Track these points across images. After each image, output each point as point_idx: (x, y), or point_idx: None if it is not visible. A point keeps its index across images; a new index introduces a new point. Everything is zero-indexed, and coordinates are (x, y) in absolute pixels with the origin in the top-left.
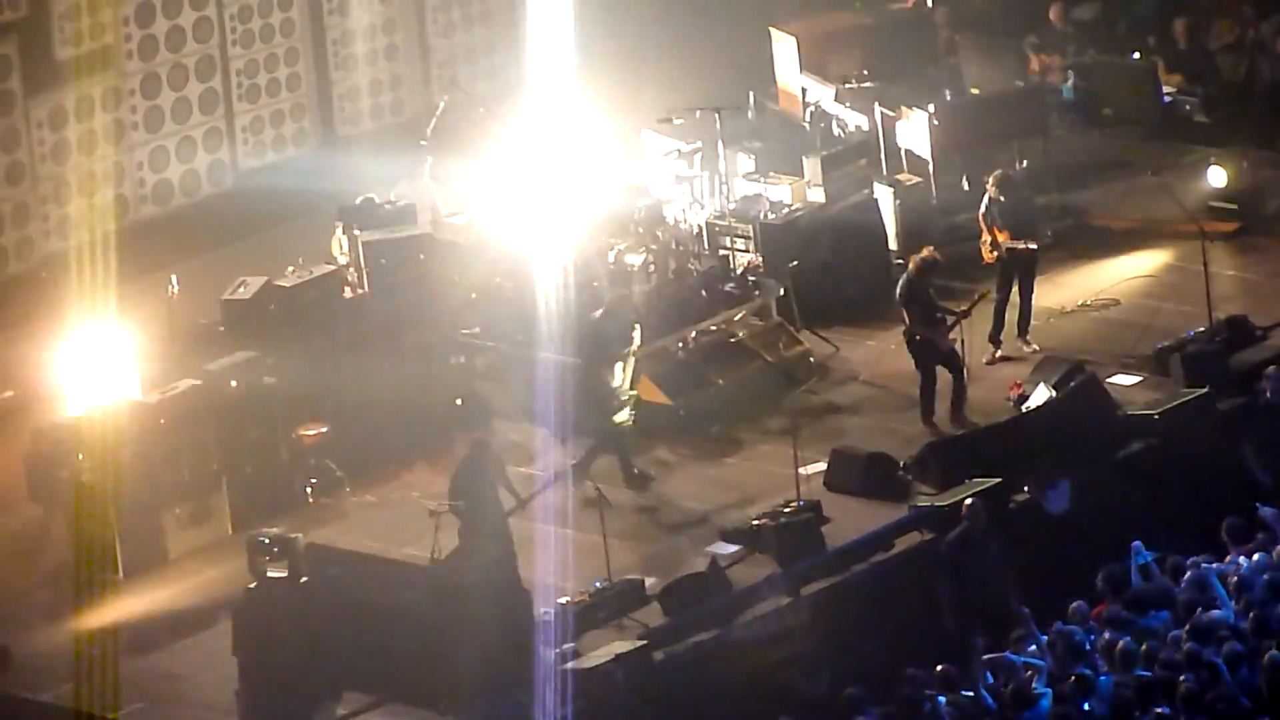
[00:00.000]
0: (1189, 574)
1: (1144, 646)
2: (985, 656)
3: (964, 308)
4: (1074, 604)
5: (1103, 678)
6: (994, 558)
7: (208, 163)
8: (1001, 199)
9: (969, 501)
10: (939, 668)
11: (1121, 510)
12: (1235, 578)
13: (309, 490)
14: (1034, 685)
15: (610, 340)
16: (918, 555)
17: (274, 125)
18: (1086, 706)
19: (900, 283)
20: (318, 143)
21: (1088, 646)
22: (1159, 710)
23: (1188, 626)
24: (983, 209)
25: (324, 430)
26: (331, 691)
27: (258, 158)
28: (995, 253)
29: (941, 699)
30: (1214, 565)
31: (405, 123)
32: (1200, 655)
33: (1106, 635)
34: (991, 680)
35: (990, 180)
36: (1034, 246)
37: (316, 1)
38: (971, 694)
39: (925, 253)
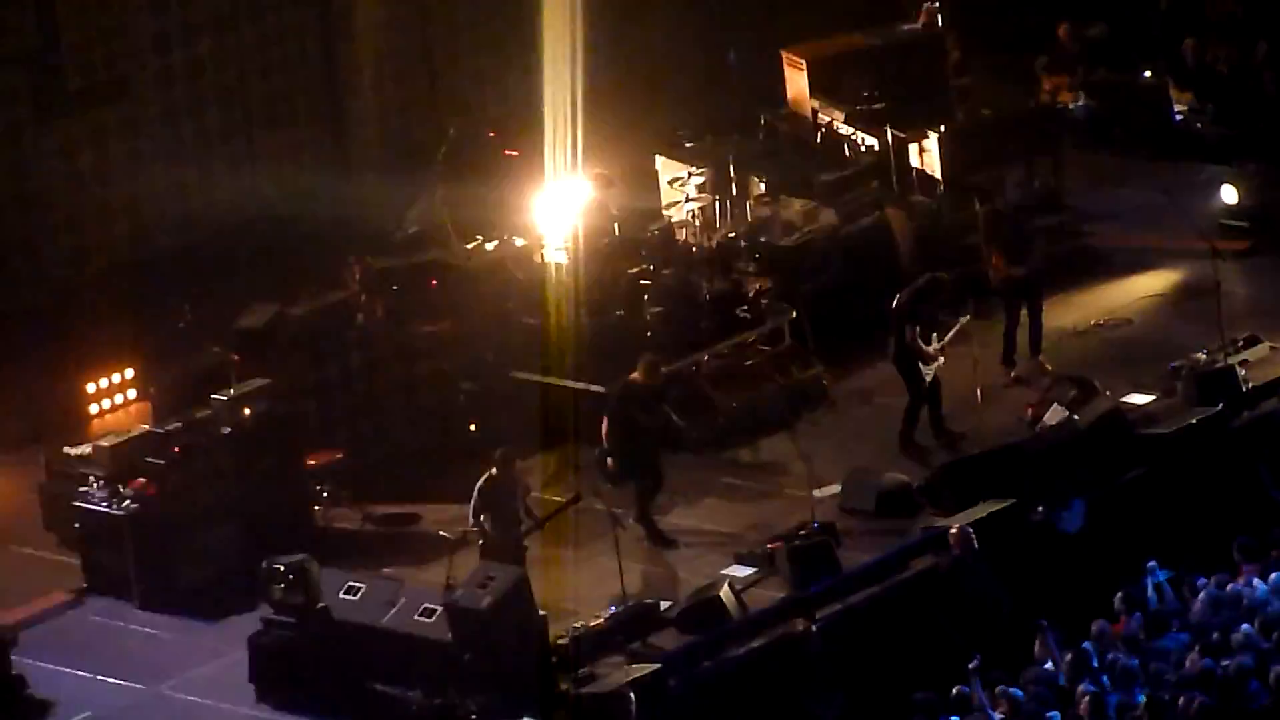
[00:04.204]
0: (1202, 594)
1: (1152, 668)
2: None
3: (949, 334)
4: (1097, 624)
5: (1110, 696)
6: (987, 581)
7: (224, 192)
8: (997, 224)
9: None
10: (953, 690)
11: (1135, 529)
12: (1247, 599)
13: (321, 516)
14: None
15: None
16: (932, 577)
17: (290, 154)
18: None
19: (903, 298)
20: (332, 171)
21: (1095, 664)
22: None
23: (1200, 644)
24: (981, 234)
25: (337, 456)
26: (346, 717)
27: (274, 187)
28: (997, 276)
29: None
30: (1228, 585)
31: (416, 148)
32: (1214, 672)
33: (1110, 656)
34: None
35: (987, 206)
36: (1023, 272)
37: (331, 30)
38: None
39: (934, 275)
